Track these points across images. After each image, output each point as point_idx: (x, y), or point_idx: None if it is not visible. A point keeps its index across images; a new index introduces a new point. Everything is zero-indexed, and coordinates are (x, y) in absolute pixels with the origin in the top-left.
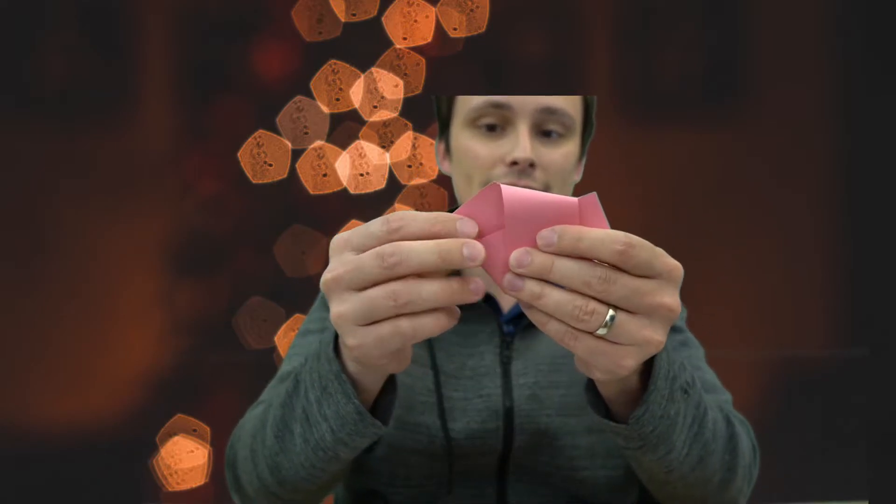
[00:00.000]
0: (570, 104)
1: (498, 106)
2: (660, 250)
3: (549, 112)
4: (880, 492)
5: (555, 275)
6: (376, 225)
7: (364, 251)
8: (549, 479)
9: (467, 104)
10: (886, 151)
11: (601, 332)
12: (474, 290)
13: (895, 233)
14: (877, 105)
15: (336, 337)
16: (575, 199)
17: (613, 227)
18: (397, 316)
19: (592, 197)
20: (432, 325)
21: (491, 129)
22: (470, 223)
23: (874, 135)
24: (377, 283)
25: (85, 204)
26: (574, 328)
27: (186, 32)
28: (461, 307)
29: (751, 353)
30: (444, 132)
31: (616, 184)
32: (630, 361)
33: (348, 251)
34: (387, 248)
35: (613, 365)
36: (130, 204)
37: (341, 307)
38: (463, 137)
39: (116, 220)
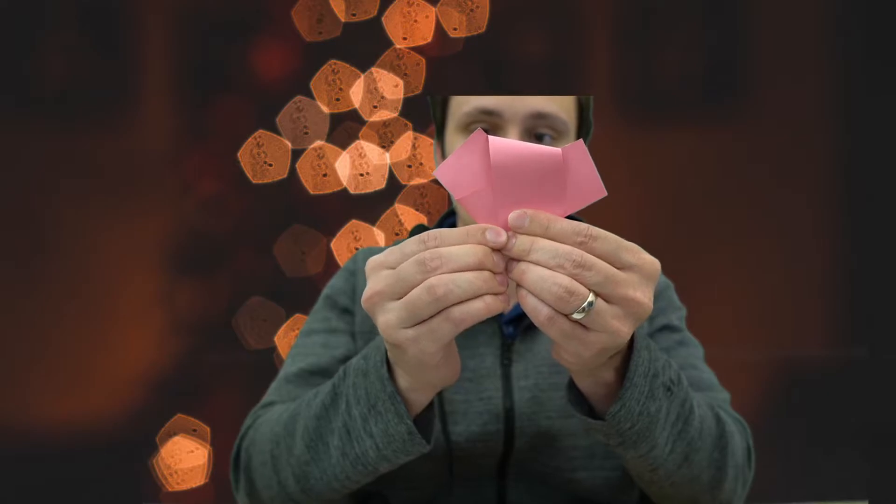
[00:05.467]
0: (562, 107)
1: (488, 112)
2: (631, 245)
3: (540, 117)
4: (880, 492)
5: (533, 255)
6: (411, 243)
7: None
8: (549, 480)
9: (459, 109)
10: (886, 151)
11: (577, 315)
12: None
13: (895, 233)
14: (877, 105)
15: (386, 357)
16: (559, 150)
17: (615, 229)
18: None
19: (579, 144)
20: (480, 307)
21: None
22: (496, 230)
23: (874, 135)
24: None
25: (85, 204)
26: (553, 308)
27: (186, 32)
28: None
29: (751, 353)
30: (440, 135)
31: (616, 184)
32: (596, 348)
33: (384, 269)
34: (426, 253)
35: (583, 349)
36: (130, 204)
37: (387, 316)
38: (456, 144)
39: (116, 220)
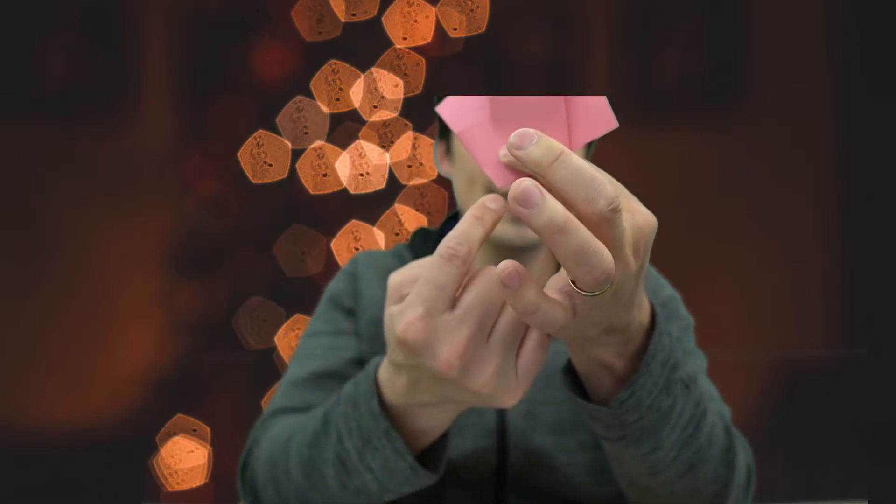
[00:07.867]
0: None
1: None
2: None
3: None
4: (880, 492)
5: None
6: (438, 267)
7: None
8: (549, 494)
9: None
10: (886, 151)
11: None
12: (492, 200)
13: (895, 233)
14: (877, 105)
15: (377, 385)
16: (560, 98)
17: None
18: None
19: (597, 97)
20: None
21: None
22: (494, 197)
23: (874, 135)
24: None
25: (85, 204)
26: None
27: (186, 32)
28: None
29: (751, 353)
30: (445, 134)
31: None
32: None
33: (421, 307)
34: (443, 245)
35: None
36: (130, 204)
37: (458, 344)
38: None
39: (116, 220)
